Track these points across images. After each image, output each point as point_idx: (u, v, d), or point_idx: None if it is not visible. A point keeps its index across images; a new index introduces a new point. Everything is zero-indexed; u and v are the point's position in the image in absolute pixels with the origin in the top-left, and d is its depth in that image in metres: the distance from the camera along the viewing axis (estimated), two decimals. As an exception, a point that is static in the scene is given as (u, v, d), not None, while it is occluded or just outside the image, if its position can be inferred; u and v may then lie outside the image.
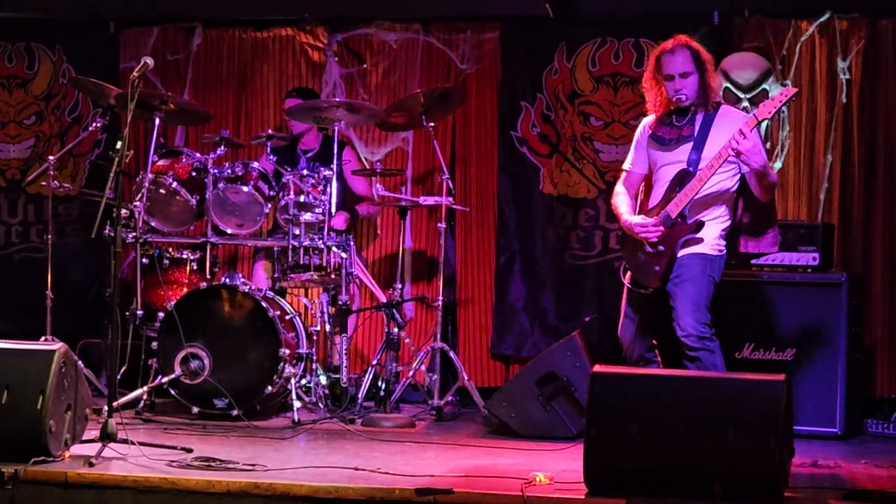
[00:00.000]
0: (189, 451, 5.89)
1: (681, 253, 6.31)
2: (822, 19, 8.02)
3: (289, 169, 7.67)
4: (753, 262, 7.38)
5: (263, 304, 7.18)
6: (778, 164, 8.03)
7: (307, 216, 7.43)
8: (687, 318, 6.21)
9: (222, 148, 7.64)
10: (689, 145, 6.35)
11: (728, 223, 6.41)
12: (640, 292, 6.41)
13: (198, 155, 7.64)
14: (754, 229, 6.61)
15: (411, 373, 7.71)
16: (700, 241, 6.30)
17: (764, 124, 6.63)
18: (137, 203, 7.36)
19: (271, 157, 7.76)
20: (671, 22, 7.74)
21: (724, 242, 6.40)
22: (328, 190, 7.43)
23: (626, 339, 6.50)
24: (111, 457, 5.65)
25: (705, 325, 6.22)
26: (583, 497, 5.12)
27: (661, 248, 6.32)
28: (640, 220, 6.43)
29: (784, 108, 7.92)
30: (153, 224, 7.58)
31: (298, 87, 8.47)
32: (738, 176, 6.38)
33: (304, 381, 7.45)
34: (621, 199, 6.60)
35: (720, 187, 6.35)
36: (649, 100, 6.53)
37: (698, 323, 6.20)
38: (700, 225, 6.29)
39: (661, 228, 6.32)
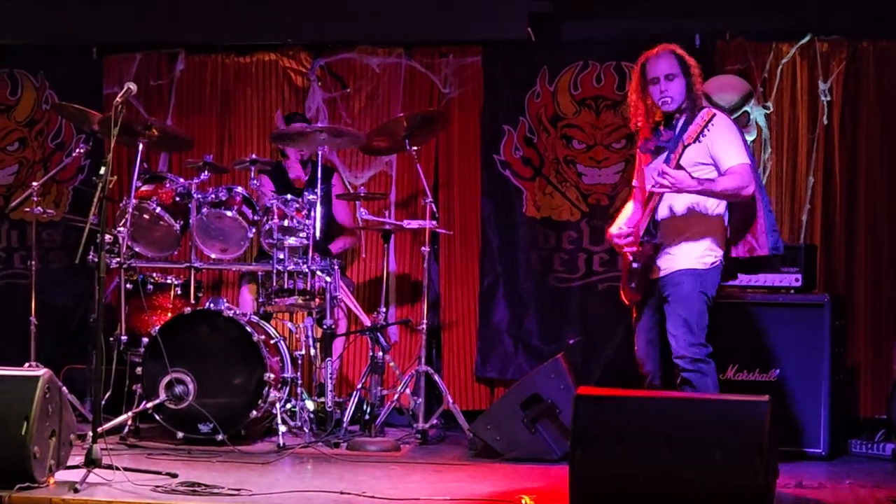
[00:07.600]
0: (174, 476, 5.87)
1: (664, 272, 6.18)
2: (802, 42, 8.07)
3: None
4: (735, 283, 7.38)
5: (248, 329, 7.17)
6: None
7: (291, 240, 7.43)
8: (678, 340, 6.09)
9: (206, 173, 7.65)
10: (665, 154, 6.12)
11: (714, 238, 6.16)
12: (635, 307, 6.33)
13: (181, 180, 7.65)
14: (741, 233, 6.25)
15: (396, 396, 7.71)
16: (676, 258, 6.13)
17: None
18: (121, 228, 7.33)
19: (254, 182, 7.65)
20: (652, 45, 7.69)
21: (714, 254, 6.15)
22: (312, 214, 7.44)
23: (638, 355, 6.35)
24: (96, 482, 5.62)
25: (697, 345, 6.09)
26: (568, 519, 5.13)
27: (634, 264, 6.22)
28: (616, 230, 6.33)
29: (765, 130, 7.97)
30: (137, 249, 7.58)
31: (299, 113, 8.48)
32: None
33: (289, 406, 7.44)
34: (620, 214, 6.51)
35: (692, 202, 6.15)
36: (636, 115, 6.27)
37: (689, 345, 6.08)
38: (657, 247, 6.13)
39: (633, 241, 6.19)
